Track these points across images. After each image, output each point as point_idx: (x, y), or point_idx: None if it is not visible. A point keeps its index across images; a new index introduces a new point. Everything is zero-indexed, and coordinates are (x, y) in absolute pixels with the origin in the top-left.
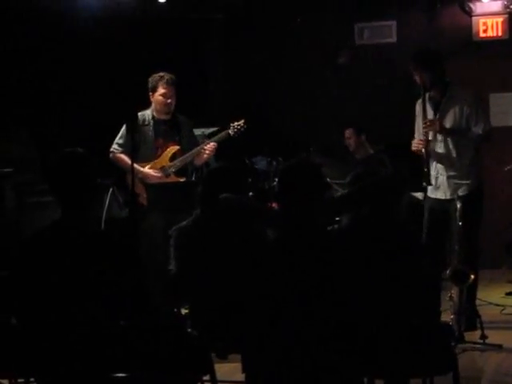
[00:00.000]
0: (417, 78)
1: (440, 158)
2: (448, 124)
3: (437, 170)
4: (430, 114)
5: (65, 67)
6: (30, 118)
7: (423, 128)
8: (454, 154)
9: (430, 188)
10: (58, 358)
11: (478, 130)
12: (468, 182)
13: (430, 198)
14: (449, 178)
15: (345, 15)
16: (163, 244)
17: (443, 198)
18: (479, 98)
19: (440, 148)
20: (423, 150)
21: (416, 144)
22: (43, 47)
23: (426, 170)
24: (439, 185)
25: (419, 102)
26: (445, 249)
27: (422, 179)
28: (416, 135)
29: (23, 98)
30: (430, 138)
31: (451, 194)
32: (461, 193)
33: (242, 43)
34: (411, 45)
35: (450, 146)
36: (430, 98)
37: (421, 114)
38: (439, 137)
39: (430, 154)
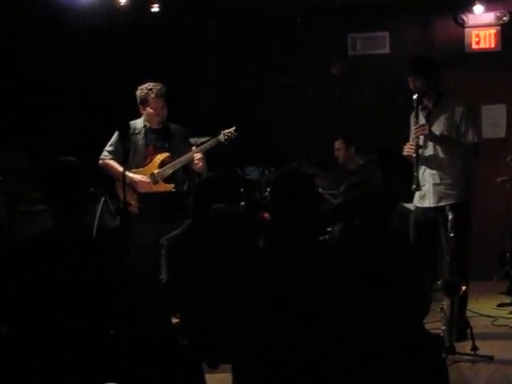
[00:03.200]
0: (411, 84)
1: (430, 165)
2: (437, 132)
3: (424, 178)
4: (422, 121)
5: (57, 76)
6: (21, 127)
7: (414, 133)
8: (444, 162)
9: (416, 197)
10: (49, 368)
11: (465, 141)
12: (455, 192)
13: (416, 207)
14: (434, 185)
15: (338, 26)
16: (154, 253)
17: (428, 205)
18: (471, 111)
19: (430, 155)
20: (414, 155)
21: (407, 149)
22: (34, 56)
23: (415, 174)
24: (424, 193)
25: (413, 113)
26: (435, 259)
27: (411, 184)
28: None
29: (14, 108)
30: (420, 143)
31: (436, 202)
32: (448, 202)
33: (235, 53)
34: (404, 56)
35: (440, 154)
36: (422, 108)
37: (413, 123)
38: (430, 144)
39: (420, 160)
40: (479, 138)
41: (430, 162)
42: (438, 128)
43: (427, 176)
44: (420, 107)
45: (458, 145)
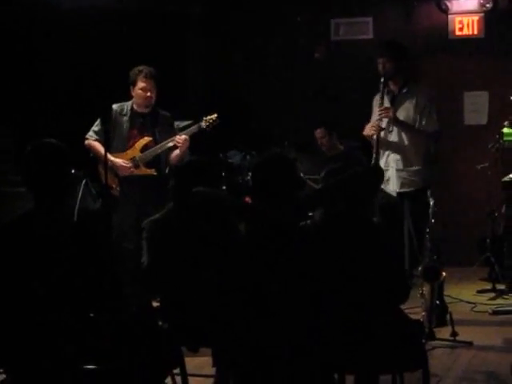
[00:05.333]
0: (379, 66)
1: (393, 149)
2: (401, 117)
3: (388, 162)
4: (387, 105)
5: (42, 59)
6: (5, 109)
7: (378, 115)
8: (407, 149)
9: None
10: (29, 349)
11: (426, 127)
12: (416, 178)
13: (383, 191)
14: (398, 171)
15: (321, 11)
16: (135, 236)
17: (391, 189)
18: (433, 99)
19: (394, 139)
20: (374, 136)
21: (368, 129)
22: (20, 38)
23: (374, 155)
24: (388, 177)
25: (377, 95)
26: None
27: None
28: None
29: None
30: (383, 125)
31: (398, 187)
32: (410, 189)
33: (219, 37)
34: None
35: (404, 140)
36: (387, 92)
37: (377, 105)
38: (394, 129)
39: (381, 142)
40: (440, 126)
41: (394, 148)
42: (402, 113)
43: (391, 161)
44: (386, 91)
45: (420, 131)
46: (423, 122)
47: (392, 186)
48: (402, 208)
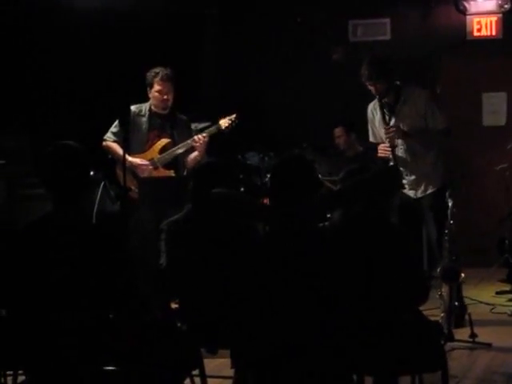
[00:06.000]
0: (371, 88)
1: (401, 161)
2: (406, 127)
3: (404, 171)
4: (391, 122)
5: (59, 59)
6: (22, 110)
7: (386, 135)
8: (415, 156)
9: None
10: (48, 351)
11: (436, 126)
12: (432, 180)
13: (401, 192)
14: (413, 179)
15: (339, 12)
16: (154, 238)
17: (413, 197)
18: (433, 96)
19: (401, 151)
20: (391, 156)
21: (382, 150)
22: (37, 39)
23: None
24: (407, 185)
25: (371, 106)
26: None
27: None
28: (372, 139)
29: (16, 90)
30: (395, 144)
31: (421, 193)
32: (428, 191)
33: (235, 39)
34: (405, 42)
35: (410, 148)
36: (384, 104)
37: (376, 120)
38: (398, 141)
39: (399, 159)
40: (447, 121)
41: (402, 158)
42: (406, 122)
43: (402, 171)
44: (385, 108)
45: (431, 132)
46: (430, 123)
47: (412, 192)
48: (421, 209)
